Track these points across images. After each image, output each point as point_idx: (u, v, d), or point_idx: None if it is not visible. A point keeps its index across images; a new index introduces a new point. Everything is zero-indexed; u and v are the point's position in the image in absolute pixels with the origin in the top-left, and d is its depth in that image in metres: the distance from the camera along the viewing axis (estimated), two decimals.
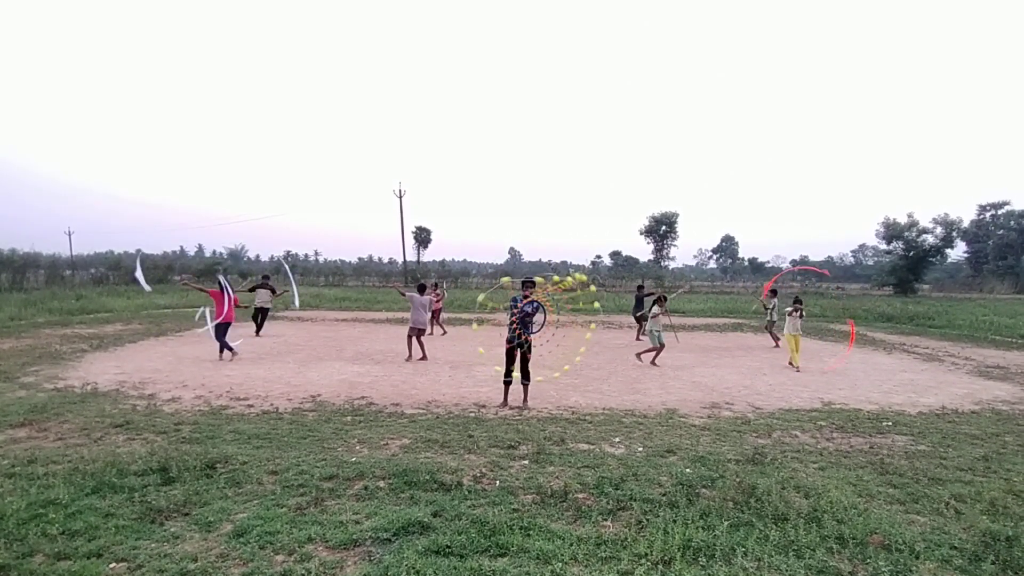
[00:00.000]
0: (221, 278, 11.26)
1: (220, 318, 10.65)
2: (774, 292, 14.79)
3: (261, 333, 14.55)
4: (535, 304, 7.21)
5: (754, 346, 14.25)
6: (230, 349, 10.71)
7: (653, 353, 11.02)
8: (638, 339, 15.12)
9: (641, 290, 16.25)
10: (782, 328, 14.47)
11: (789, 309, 11.40)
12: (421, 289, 11.57)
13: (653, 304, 11.38)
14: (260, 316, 14.73)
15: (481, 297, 7.46)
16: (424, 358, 10.92)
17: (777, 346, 14.05)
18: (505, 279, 8.04)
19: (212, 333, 10.73)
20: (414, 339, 11.01)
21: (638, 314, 15.28)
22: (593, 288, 7.37)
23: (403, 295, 11.76)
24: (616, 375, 9.88)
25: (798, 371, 10.52)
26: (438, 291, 16.16)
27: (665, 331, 11.41)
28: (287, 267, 21.41)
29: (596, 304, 7.46)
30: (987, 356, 12.89)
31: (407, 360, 10.79)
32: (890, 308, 25.06)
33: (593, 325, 7.12)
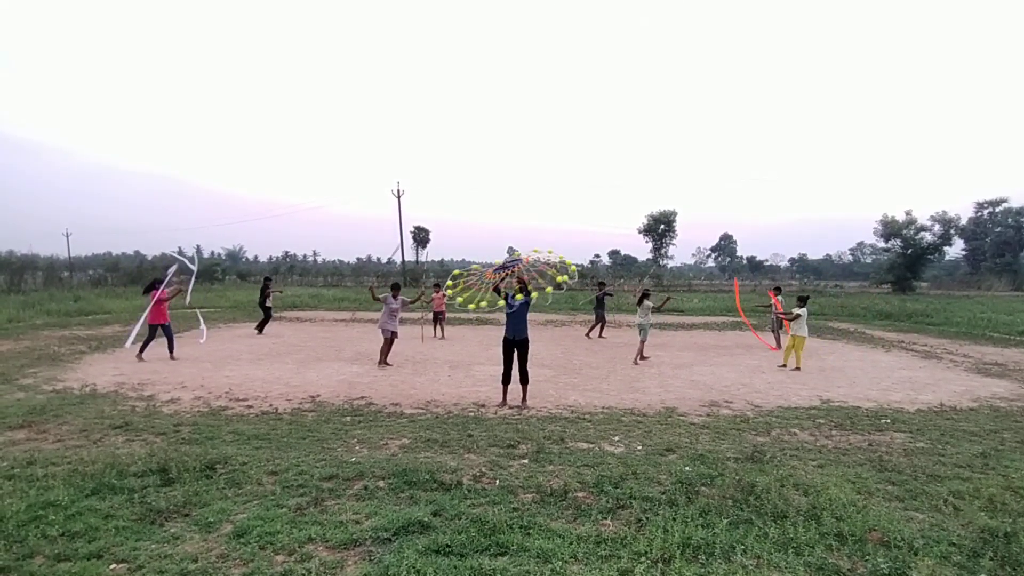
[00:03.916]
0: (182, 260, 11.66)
1: (152, 319, 10.80)
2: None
3: (264, 331, 15.08)
4: (526, 299, 7.21)
5: (753, 344, 14.25)
6: (141, 350, 10.61)
7: (640, 349, 11.16)
8: (600, 335, 15.29)
9: (603, 286, 16.41)
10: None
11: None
12: (395, 289, 10.65)
13: (641, 301, 11.39)
14: (266, 315, 15.46)
15: (459, 300, 7.46)
16: (384, 363, 10.34)
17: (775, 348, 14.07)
18: (474, 267, 8.04)
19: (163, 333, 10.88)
20: (385, 344, 10.36)
21: (598, 311, 15.46)
22: (564, 278, 7.41)
23: (376, 298, 10.62)
24: (615, 374, 9.89)
25: (797, 370, 10.40)
26: (440, 292, 16.10)
27: (653, 315, 11.53)
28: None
29: (564, 277, 7.39)
30: (985, 353, 12.90)
31: (379, 365, 10.17)
32: (888, 306, 25.10)
33: (549, 289, 7.15)
